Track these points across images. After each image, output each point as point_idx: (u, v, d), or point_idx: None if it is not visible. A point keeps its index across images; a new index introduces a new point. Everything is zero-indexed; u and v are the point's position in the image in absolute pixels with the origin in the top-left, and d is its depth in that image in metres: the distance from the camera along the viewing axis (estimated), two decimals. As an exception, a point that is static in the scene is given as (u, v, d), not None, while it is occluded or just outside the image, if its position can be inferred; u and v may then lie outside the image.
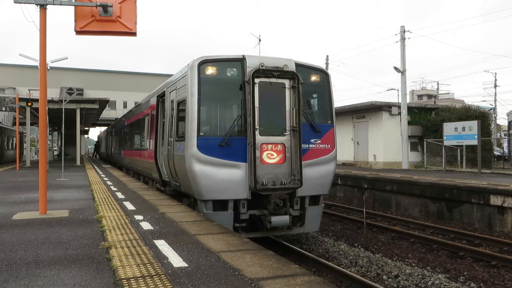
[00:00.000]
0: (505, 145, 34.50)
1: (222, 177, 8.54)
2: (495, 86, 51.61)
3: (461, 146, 20.60)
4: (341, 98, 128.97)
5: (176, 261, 4.68)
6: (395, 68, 23.97)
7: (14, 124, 40.52)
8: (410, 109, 24.95)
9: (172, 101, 10.42)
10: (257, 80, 8.70)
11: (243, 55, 8.96)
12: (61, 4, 7.41)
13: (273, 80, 8.86)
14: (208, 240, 5.73)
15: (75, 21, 7.63)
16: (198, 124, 8.56)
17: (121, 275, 4.18)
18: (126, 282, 3.98)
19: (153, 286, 3.89)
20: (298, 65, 9.25)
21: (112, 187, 12.84)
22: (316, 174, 9.24)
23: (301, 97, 8.91)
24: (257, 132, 8.58)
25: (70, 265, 4.55)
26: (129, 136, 20.33)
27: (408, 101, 35.49)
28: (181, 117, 9.43)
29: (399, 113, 23.88)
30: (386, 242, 11.24)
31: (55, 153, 48.77)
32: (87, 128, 54.51)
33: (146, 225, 6.72)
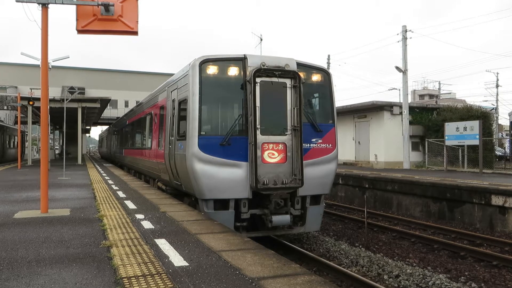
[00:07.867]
0: (506, 145, 34.44)
1: (223, 176, 8.54)
2: (497, 86, 51.49)
3: (463, 146, 20.56)
4: (342, 97, 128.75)
5: (177, 260, 4.69)
6: (397, 68, 23.94)
7: (15, 123, 40.60)
8: (412, 109, 24.93)
9: (173, 100, 10.43)
10: (258, 80, 8.70)
11: (244, 55, 8.95)
12: (62, 3, 7.42)
13: (275, 79, 8.86)
14: (209, 239, 5.73)
15: (77, 20, 7.65)
16: (199, 123, 8.57)
17: (122, 274, 4.19)
18: (127, 281, 3.98)
19: (154, 285, 3.89)
20: (299, 64, 9.25)
21: (113, 186, 12.84)
22: (317, 174, 9.24)
23: (302, 97, 8.91)
24: (258, 132, 8.58)
25: (71, 264, 4.56)
26: (134, 135, 19.44)
27: (409, 101, 35.54)
28: (182, 116, 9.43)
29: (401, 113, 23.87)
30: (387, 242, 11.23)
31: (57, 152, 48.84)
32: (89, 127, 54.56)
33: (147, 224, 6.73)
